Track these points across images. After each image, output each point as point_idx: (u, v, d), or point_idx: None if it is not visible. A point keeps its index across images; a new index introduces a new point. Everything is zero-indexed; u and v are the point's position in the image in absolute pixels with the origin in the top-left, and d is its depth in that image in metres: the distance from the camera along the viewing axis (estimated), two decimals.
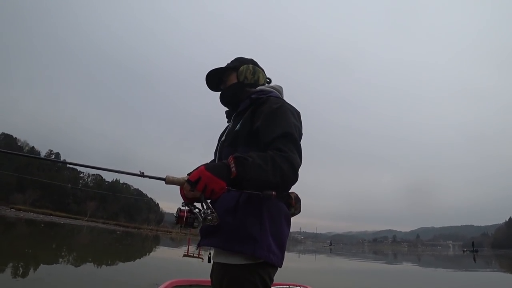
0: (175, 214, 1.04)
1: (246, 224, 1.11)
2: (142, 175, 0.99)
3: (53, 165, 70.30)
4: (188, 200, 1.10)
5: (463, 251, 67.55)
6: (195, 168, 1.15)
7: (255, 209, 1.13)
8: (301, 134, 1.25)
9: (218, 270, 1.16)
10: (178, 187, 1.08)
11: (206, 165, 1.02)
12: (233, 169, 1.01)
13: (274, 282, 1.18)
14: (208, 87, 1.54)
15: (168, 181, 1.02)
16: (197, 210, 1.05)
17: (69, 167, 73.66)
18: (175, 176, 1.03)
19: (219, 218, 1.03)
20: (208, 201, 1.06)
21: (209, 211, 1.02)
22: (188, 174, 1.04)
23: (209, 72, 1.48)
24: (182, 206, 1.05)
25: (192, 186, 0.98)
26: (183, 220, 1.02)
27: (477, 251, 60.51)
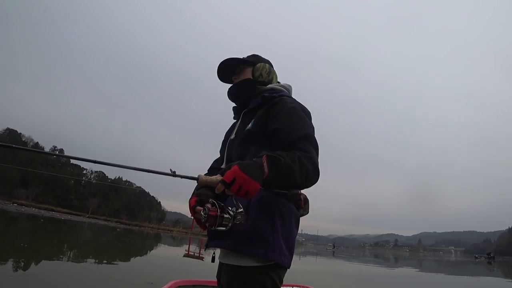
0: (203, 213, 1.00)
1: (258, 226, 1.10)
2: (173, 174, 0.95)
3: (57, 161, 70.73)
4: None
5: (475, 257, 63.05)
6: (225, 167, 1.05)
7: (267, 210, 1.12)
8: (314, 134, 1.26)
9: (227, 271, 1.14)
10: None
11: (240, 164, 0.96)
12: (266, 169, 0.97)
13: None
14: (219, 76, 1.50)
15: (201, 181, 0.97)
16: (226, 209, 1.01)
17: (72, 163, 73.96)
18: (208, 176, 0.99)
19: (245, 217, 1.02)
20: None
21: (239, 210, 1.00)
22: (220, 174, 0.99)
23: (224, 61, 1.44)
24: (211, 204, 1.02)
25: (227, 187, 0.94)
26: (214, 219, 0.97)
27: (493, 258, 55.22)
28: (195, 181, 0.99)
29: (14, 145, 0.94)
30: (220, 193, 0.96)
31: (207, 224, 1.00)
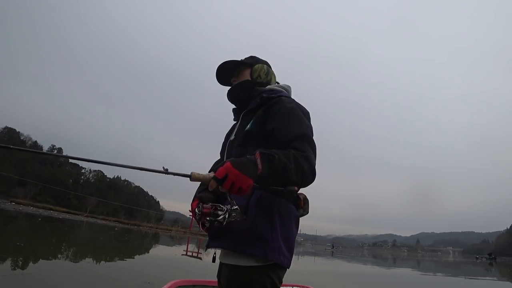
0: (197, 210, 1.01)
1: (257, 225, 1.10)
2: (166, 172, 0.95)
3: (55, 159, 70.40)
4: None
5: (476, 258, 63.03)
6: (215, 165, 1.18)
7: (266, 209, 1.12)
8: (312, 134, 1.26)
9: (227, 271, 1.15)
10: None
11: (232, 161, 0.97)
12: (260, 166, 0.98)
13: None
14: (217, 79, 1.50)
15: (194, 178, 0.97)
16: (220, 206, 1.02)
17: (70, 162, 73.73)
18: (200, 173, 0.99)
19: (242, 214, 1.02)
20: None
21: (233, 207, 1.01)
22: (213, 171, 0.99)
23: (222, 64, 1.45)
24: (207, 204, 1.03)
25: (219, 183, 0.94)
26: (208, 216, 0.98)
27: (495, 259, 54.93)
28: (188, 179, 0.99)
29: (11, 146, 0.95)
30: (221, 195, 0.98)
31: (205, 223, 1.01)
